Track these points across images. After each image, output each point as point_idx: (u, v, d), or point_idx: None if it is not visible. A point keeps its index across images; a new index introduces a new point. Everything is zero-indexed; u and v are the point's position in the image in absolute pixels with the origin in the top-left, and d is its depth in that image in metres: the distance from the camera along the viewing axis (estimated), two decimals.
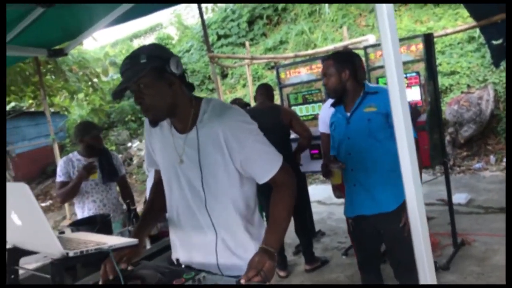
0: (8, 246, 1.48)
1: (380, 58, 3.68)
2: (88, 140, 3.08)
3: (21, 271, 1.53)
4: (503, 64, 4.49)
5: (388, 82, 1.11)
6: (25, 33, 3.17)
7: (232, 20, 11.68)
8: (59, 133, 11.83)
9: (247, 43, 8.11)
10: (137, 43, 16.96)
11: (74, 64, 8.15)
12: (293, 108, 4.41)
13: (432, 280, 1.15)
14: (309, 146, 3.87)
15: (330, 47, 6.38)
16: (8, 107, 10.82)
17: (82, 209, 3.10)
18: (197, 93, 1.59)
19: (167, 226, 1.75)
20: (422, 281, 1.15)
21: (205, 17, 5.21)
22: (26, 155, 11.64)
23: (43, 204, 9.65)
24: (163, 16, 16.28)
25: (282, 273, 3.74)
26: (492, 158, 6.04)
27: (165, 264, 1.79)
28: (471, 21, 5.03)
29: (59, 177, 3.05)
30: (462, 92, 6.65)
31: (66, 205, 6.65)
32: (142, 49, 1.44)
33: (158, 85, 1.42)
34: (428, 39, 3.40)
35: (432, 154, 3.36)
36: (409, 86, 3.49)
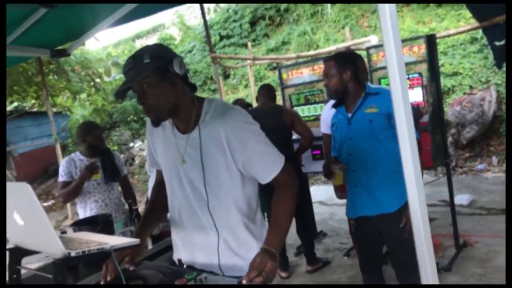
0: (11, 245, 1.48)
1: (382, 59, 3.67)
2: (91, 140, 3.09)
3: (23, 271, 1.53)
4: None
5: (390, 83, 1.11)
6: (28, 33, 3.18)
7: (234, 21, 11.69)
8: (61, 133, 11.86)
9: (249, 44, 8.11)
10: (139, 44, 16.98)
11: (76, 64, 8.16)
12: (295, 108, 4.40)
13: (434, 282, 1.15)
14: (311, 147, 3.87)
15: (332, 48, 6.37)
16: (10, 107, 10.86)
17: (84, 209, 3.11)
18: (199, 93, 1.59)
19: (169, 226, 1.75)
20: (424, 282, 1.15)
21: (207, 17, 5.21)
22: (28, 155, 11.67)
23: (45, 204, 9.67)
24: (166, 17, 16.30)
25: (283, 274, 3.73)
26: (494, 159, 6.02)
27: (166, 264, 1.78)
28: (473, 22, 5.03)
29: (61, 177, 3.06)
30: (464, 93, 6.63)
31: (68, 205, 6.66)
32: (146, 49, 1.44)
33: (161, 85, 1.42)
34: (431, 40, 3.39)
35: (434, 155, 3.35)
36: (411, 87, 3.48)
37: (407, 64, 3.37)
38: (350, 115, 2.29)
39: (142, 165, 9.79)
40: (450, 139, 6.21)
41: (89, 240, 1.45)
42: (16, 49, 3.52)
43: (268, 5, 11.39)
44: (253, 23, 11.64)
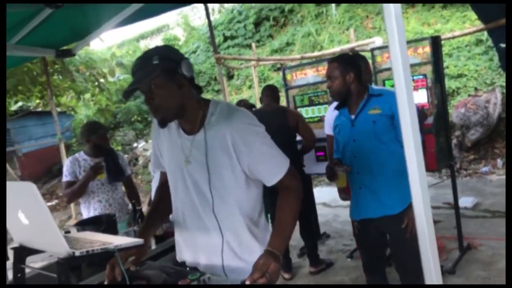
0: (15, 245, 1.48)
1: (387, 60, 3.66)
2: (95, 140, 3.09)
3: (27, 270, 1.54)
4: None
5: (395, 84, 1.10)
6: (33, 33, 3.19)
7: (239, 22, 11.70)
8: (65, 133, 11.90)
9: (253, 45, 8.11)
10: (143, 44, 17.03)
11: (81, 65, 8.20)
12: (299, 109, 4.40)
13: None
14: (313, 149, 3.86)
15: (336, 49, 6.36)
16: (15, 107, 10.91)
17: (88, 209, 3.11)
18: (203, 94, 1.60)
19: (173, 226, 1.75)
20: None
21: (211, 18, 5.21)
22: (32, 155, 11.72)
23: (49, 204, 9.70)
24: (170, 17, 16.37)
25: (286, 275, 3.73)
26: (499, 161, 6.00)
27: (170, 264, 1.79)
28: (479, 24, 5.01)
29: (66, 177, 3.07)
30: (469, 95, 6.61)
31: (72, 204, 6.68)
32: (155, 50, 1.45)
33: (169, 87, 1.43)
34: (436, 42, 3.38)
35: (439, 157, 3.34)
36: (416, 88, 3.47)
37: (411, 65, 3.35)
38: (353, 116, 2.28)
39: (146, 165, 9.80)
40: (454, 141, 6.18)
41: (93, 240, 1.45)
42: (22, 49, 3.54)
43: (273, 6, 11.40)
44: (257, 24, 11.64)
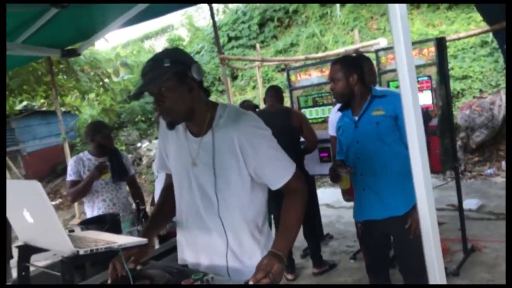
0: (20, 243, 1.49)
1: (391, 61, 3.66)
2: (99, 140, 3.10)
3: (31, 268, 1.54)
4: None
5: (400, 84, 1.10)
6: (39, 33, 3.21)
7: (243, 22, 11.71)
8: (69, 133, 11.94)
9: (257, 45, 8.12)
10: (148, 44, 17.08)
11: (85, 64, 8.23)
12: (303, 110, 4.39)
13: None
14: (314, 150, 3.85)
15: (341, 50, 6.35)
16: (20, 106, 10.96)
17: (92, 208, 3.12)
18: None
19: (176, 226, 1.76)
20: None
21: (216, 19, 5.22)
22: (37, 154, 11.77)
23: (53, 203, 9.69)
24: (175, 18, 16.41)
25: (289, 276, 3.73)
26: (503, 164, 5.96)
27: (173, 264, 1.79)
28: (484, 25, 4.99)
29: (70, 176, 3.08)
30: (474, 97, 6.58)
31: (76, 204, 6.70)
32: (166, 53, 1.46)
33: (179, 89, 1.44)
34: (441, 43, 3.37)
35: (443, 159, 3.33)
36: (420, 90, 3.46)
37: (416, 67, 3.33)
38: (356, 118, 2.28)
39: (149, 165, 9.82)
40: (459, 143, 6.16)
41: (97, 239, 1.46)
42: (28, 48, 3.56)
43: (277, 6, 11.39)
44: (261, 25, 11.65)
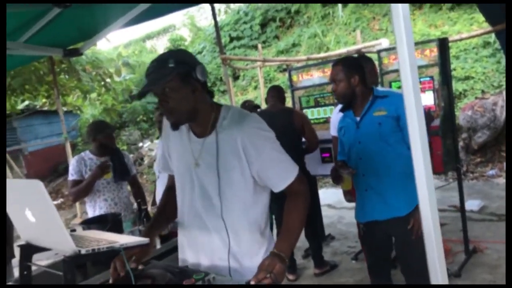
0: (22, 242, 1.49)
1: (393, 62, 3.65)
2: (101, 139, 3.10)
3: (33, 267, 1.55)
4: None
5: (402, 84, 1.09)
6: (41, 32, 3.21)
7: (245, 22, 11.71)
8: (71, 132, 11.96)
9: (259, 46, 8.11)
10: (150, 44, 17.10)
11: (87, 64, 8.24)
12: (304, 111, 4.40)
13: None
14: (315, 150, 3.84)
15: (343, 50, 6.34)
16: (22, 106, 10.98)
17: (94, 208, 3.12)
18: None
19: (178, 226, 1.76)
20: None
21: (218, 19, 5.22)
22: (38, 153, 11.79)
23: (54, 202, 9.70)
24: (176, 18, 16.42)
25: (291, 277, 3.72)
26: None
27: (175, 264, 1.79)
28: (486, 26, 4.98)
29: (72, 176, 3.08)
30: (476, 98, 6.57)
31: (77, 203, 6.72)
32: (171, 54, 1.47)
33: (183, 90, 1.44)
34: (443, 44, 3.36)
35: (445, 160, 3.32)
36: (422, 90, 3.45)
37: (418, 67, 3.31)
38: (358, 118, 2.28)
39: (151, 165, 9.83)
40: (461, 143, 6.15)
41: (98, 238, 1.46)
42: (30, 48, 3.56)
43: (279, 7, 11.40)
44: (263, 25, 11.65)
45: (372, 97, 2.24)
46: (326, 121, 4.22)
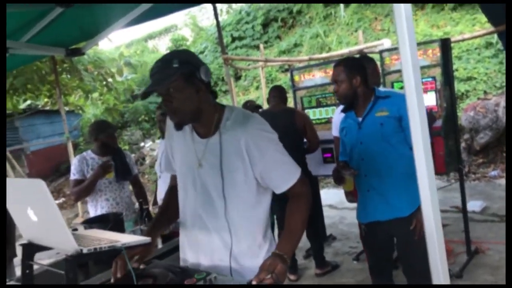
0: (24, 241, 1.50)
1: (395, 62, 3.65)
2: (103, 139, 3.11)
3: (35, 266, 1.55)
4: None
5: (405, 85, 1.09)
6: (44, 32, 3.22)
7: (247, 23, 11.71)
8: (73, 132, 11.98)
9: (261, 46, 8.12)
10: (151, 44, 17.12)
11: (89, 64, 8.25)
12: (306, 111, 4.39)
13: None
14: (315, 151, 3.84)
15: (345, 50, 6.34)
16: (24, 105, 10.99)
17: (95, 207, 3.13)
18: None
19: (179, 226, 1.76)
20: None
21: (219, 19, 5.22)
22: (40, 153, 11.81)
23: (56, 202, 9.71)
24: (178, 18, 16.43)
25: (292, 277, 3.72)
26: None
27: (176, 263, 1.79)
28: (488, 27, 4.97)
29: (73, 175, 3.08)
30: (478, 98, 6.56)
31: (79, 203, 6.72)
32: (175, 54, 1.47)
33: (187, 90, 1.45)
34: (445, 44, 3.36)
35: (447, 161, 3.32)
36: (424, 91, 3.45)
37: (420, 68, 3.32)
38: (360, 119, 2.27)
39: (153, 165, 9.83)
40: (463, 144, 6.14)
41: (100, 238, 1.46)
42: (33, 47, 3.57)
43: (281, 7, 11.39)
44: (265, 25, 11.65)
45: (374, 98, 2.24)
46: (328, 121, 4.21)
